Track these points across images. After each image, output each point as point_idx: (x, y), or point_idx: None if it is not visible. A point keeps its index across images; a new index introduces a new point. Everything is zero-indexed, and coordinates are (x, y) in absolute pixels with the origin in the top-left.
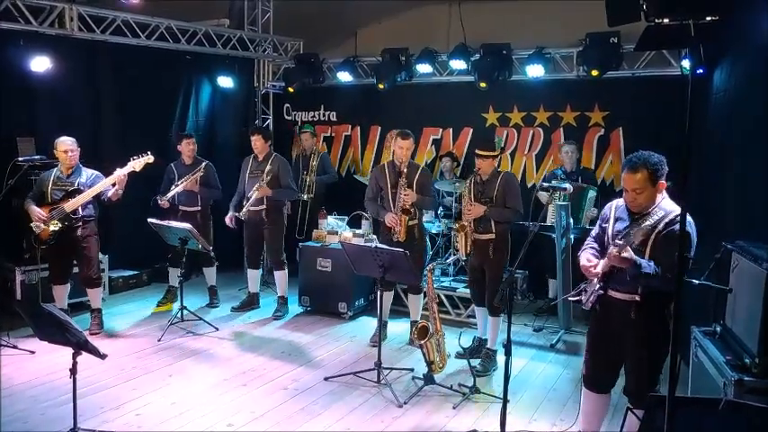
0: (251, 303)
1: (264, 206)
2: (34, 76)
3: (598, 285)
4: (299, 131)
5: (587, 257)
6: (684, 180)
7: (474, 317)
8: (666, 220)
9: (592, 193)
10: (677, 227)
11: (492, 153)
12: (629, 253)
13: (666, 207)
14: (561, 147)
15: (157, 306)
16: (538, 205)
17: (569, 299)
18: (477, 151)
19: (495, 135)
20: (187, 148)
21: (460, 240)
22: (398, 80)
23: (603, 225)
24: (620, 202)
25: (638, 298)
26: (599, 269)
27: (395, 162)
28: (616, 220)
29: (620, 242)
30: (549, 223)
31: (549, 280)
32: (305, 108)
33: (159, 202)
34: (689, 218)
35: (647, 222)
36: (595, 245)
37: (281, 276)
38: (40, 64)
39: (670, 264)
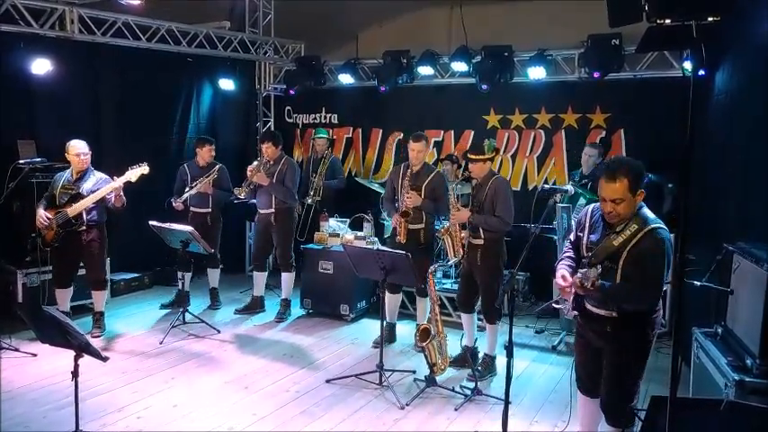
0: (255, 306)
1: (273, 209)
2: (35, 78)
3: (571, 306)
4: (313, 137)
5: (562, 275)
6: (686, 181)
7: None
8: (640, 235)
9: (582, 201)
10: (653, 243)
11: (482, 156)
12: (590, 283)
13: (643, 218)
14: (584, 148)
15: (161, 308)
16: (538, 206)
17: (553, 306)
18: (468, 155)
19: (485, 138)
20: (208, 154)
21: (448, 244)
22: (400, 82)
23: (579, 233)
24: (596, 207)
25: (615, 314)
26: (571, 293)
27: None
28: (591, 230)
29: (581, 275)
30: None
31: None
32: (306, 110)
33: (174, 203)
34: (666, 233)
35: (620, 239)
36: (572, 253)
37: (287, 278)
38: (41, 66)
39: (641, 281)
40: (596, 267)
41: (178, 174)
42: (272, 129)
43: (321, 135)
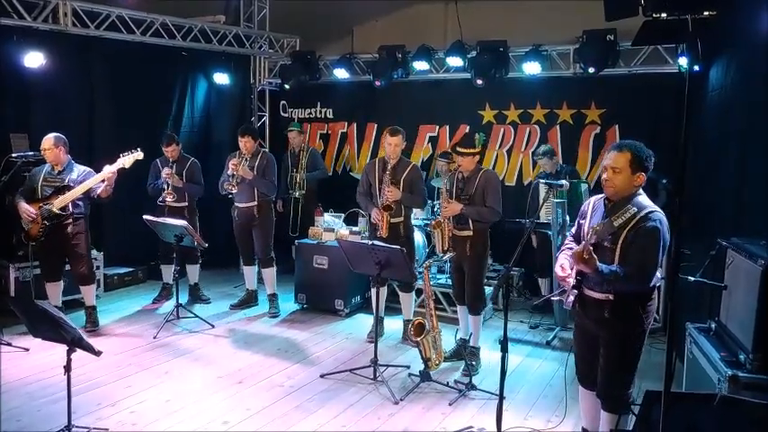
0: (249, 300)
1: (256, 203)
2: (28, 71)
3: (574, 283)
4: (286, 130)
5: (561, 265)
6: (681, 177)
7: None
8: (638, 217)
9: (584, 186)
10: (648, 224)
11: (472, 150)
12: (591, 257)
13: (640, 203)
14: (538, 159)
15: (152, 303)
16: (533, 201)
17: (553, 298)
18: (457, 149)
19: (475, 132)
20: (166, 154)
21: (437, 237)
22: (395, 77)
23: (581, 221)
24: (597, 198)
25: (611, 297)
26: (572, 279)
27: (385, 158)
28: (593, 216)
29: (588, 236)
30: (543, 220)
31: (539, 279)
32: (301, 105)
33: (165, 200)
34: (662, 216)
35: (619, 221)
36: (573, 244)
37: (269, 273)
38: (34, 60)
39: (638, 262)
40: (591, 234)
41: (152, 167)
42: (267, 124)
43: (293, 128)
